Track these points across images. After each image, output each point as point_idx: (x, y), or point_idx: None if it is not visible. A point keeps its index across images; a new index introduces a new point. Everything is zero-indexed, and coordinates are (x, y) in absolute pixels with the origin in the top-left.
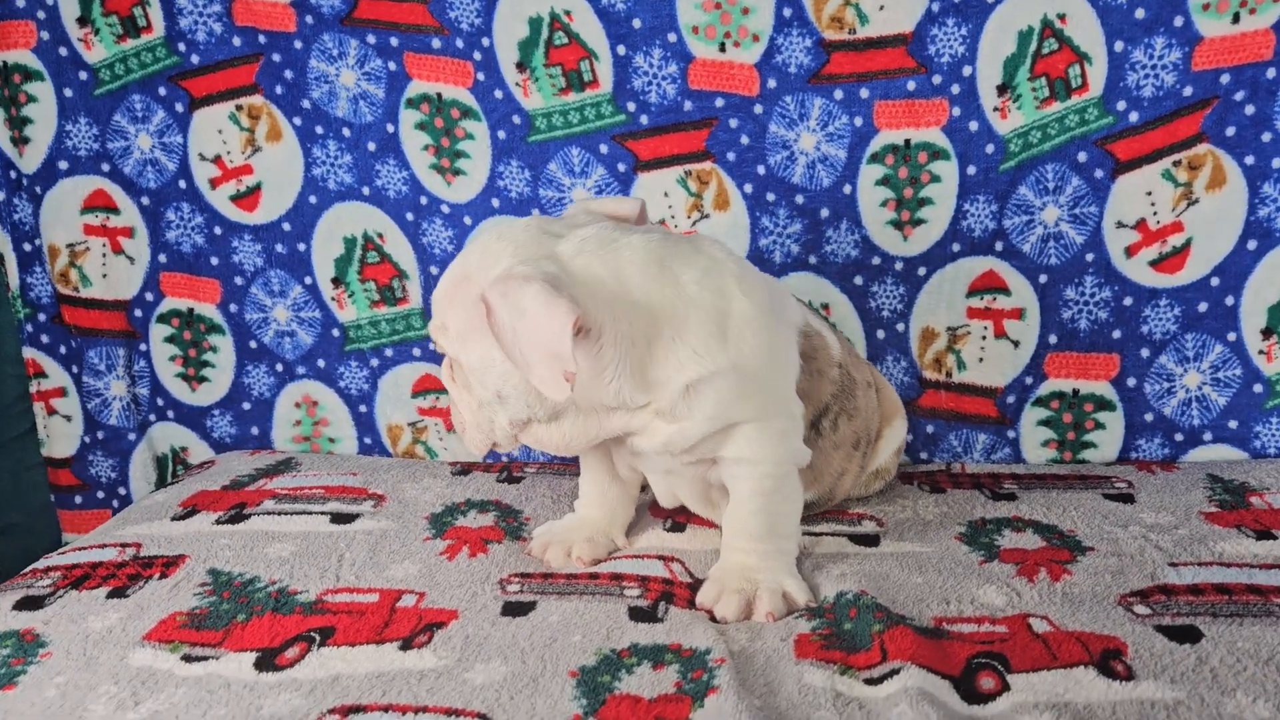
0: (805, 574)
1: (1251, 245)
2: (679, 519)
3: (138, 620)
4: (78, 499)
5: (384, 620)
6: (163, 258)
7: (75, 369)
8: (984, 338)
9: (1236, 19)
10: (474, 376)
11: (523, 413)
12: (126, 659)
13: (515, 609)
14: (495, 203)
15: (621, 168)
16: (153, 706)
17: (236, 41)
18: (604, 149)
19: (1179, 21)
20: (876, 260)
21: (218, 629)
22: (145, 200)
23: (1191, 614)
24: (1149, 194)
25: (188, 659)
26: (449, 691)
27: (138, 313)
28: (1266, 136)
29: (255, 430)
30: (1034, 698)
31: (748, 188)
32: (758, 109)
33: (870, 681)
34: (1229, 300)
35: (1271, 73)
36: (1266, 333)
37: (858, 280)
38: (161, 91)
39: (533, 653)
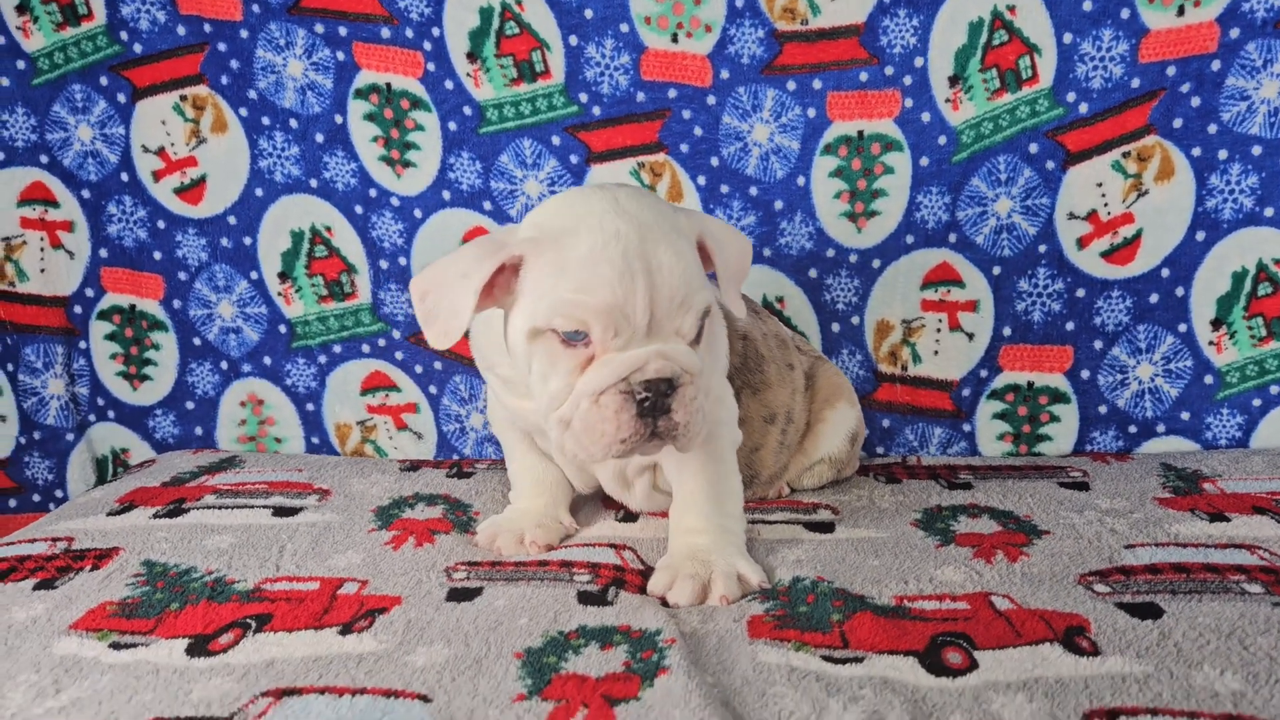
0: (758, 557)
1: (1200, 236)
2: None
3: (65, 610)
4: (12, 502)
5: (324, 607)
6: (104, 252)
7: (10, 367)
8: (939, 330)
9: (1181, 11)
10: (708, 347)
11: None
12: (50, 648)
13: (460, 595)
14: (446, 195)
15: (574, 160)
16: (74, 694)
17: (181, 30)
18: (556, 140)
19: (1125, 14)
20: (831, 253)
21: (149, 617)
22: (86, 193)
23: (1151, 592)
24: (1099, 185)
25: (116, 646)
26: (388, 674)
27: (77, 309)
28: (1212, 128)
29: (199, 430)
30: (1003, 675)
31: (701, 180)
32: (711, 100)
33: (830, 660)
34: (1179, 291)
35: (1216, 65)
36: (1216, 324)
37: (812, 273)
38: (103, 81)
39: (477, 636)
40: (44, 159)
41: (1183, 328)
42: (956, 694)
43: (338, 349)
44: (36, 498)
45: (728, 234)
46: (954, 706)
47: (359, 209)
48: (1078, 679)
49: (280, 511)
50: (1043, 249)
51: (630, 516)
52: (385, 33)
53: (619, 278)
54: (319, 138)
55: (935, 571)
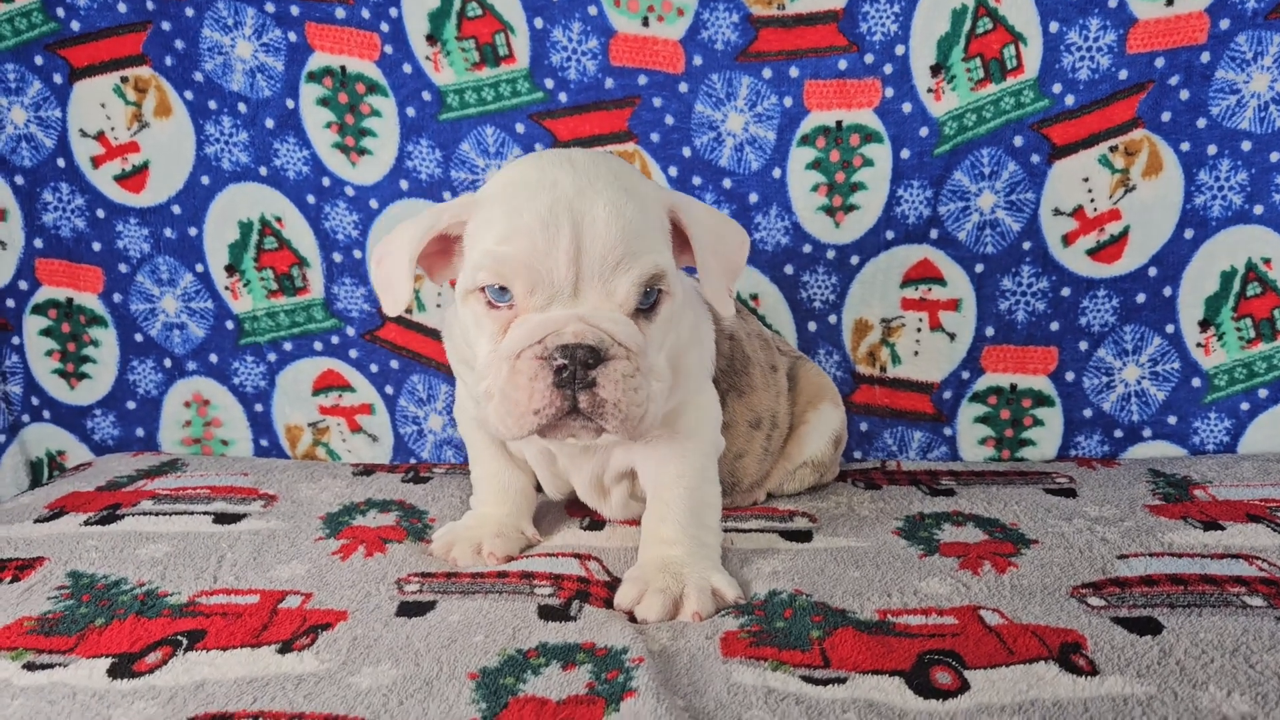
0: (733, 569)
1: (1189, 234)
2: (597, 517)
3: None
4: None
5: (263, 623)
6: (39, 243)
7: None
8: (919, 330)
9: (1170, 1)
10: (664, 326)
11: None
12: None
13: (412, 609)
14: (404, 184)
15: (539, 148)
16: None
17: (122, 7)
18: (520, 128)
19: (1113, 2)
20: (808, 248)
21: (71, 634)
22: (19, 180)
23: (1148, 605)
24: (1086, 180)
25: (31, 667)
26: (330, 697)
27: (10, 303)
28: (1201, 122)
29: (140, 431)
30: (997, 697)
31: (672, 170)
32: (683, 87)
33: (809, 680)
34: (1167, 291)
35: (1206, 57)
36: (1204, 325)
37: (788, 269)
38: (38, 60)
39: (428, 654)
40: None
41: (1170, 329)
42: (947, 717)
43: (288, 346)
44: None
45: (716, 220)
46: None
47: (311, 199)
48: (1076, 701)
49: (221, 518)
50: (1027, 246)
51: (596, 524)
52: (340, 13)
53: (542, 227)
54: (269, 123)
55: (920, 584)
